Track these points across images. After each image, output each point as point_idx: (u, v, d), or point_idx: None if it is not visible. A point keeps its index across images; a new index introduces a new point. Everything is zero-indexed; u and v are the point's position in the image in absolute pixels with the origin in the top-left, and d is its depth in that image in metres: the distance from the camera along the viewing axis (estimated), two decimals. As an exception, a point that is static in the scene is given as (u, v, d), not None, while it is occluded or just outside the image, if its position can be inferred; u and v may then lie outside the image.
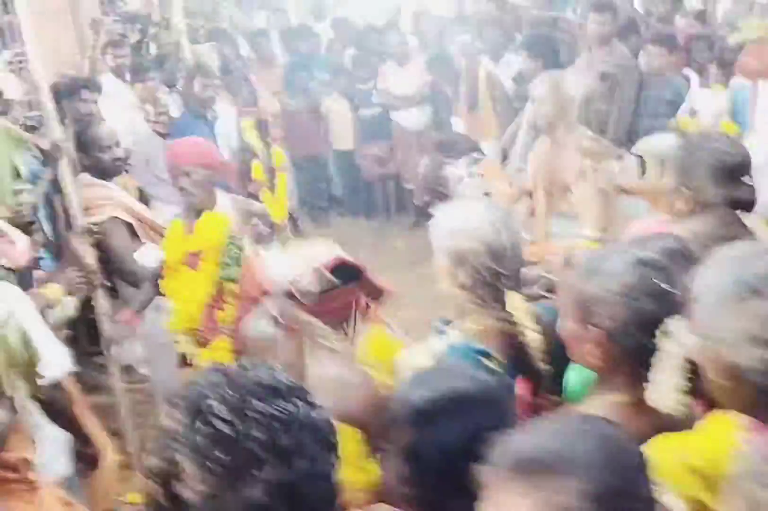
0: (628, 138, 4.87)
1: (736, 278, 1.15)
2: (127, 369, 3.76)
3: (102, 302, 3.45)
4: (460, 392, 1.39)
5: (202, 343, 3.01)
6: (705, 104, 4.18)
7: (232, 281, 2.93)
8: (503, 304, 1.90)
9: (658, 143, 2.76)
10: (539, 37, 4.80)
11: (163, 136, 4.85)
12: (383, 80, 6.72)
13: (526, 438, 1.03)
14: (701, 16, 5.63)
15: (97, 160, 3.60)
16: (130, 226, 3.53)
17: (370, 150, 6.96)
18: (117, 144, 3.71)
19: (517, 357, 1.88)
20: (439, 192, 6.29)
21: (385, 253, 6.26)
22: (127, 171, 3.94)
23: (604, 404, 1.49)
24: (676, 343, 1.34)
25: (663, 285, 1.46)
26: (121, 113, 4.77)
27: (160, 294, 3.59)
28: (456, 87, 5.98)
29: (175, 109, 5.27)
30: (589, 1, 6.30)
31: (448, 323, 2.00)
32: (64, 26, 5.45)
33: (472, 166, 5.47)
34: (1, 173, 3.25)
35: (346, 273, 2.45)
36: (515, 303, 1.92)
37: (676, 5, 5.72)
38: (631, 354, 1.48)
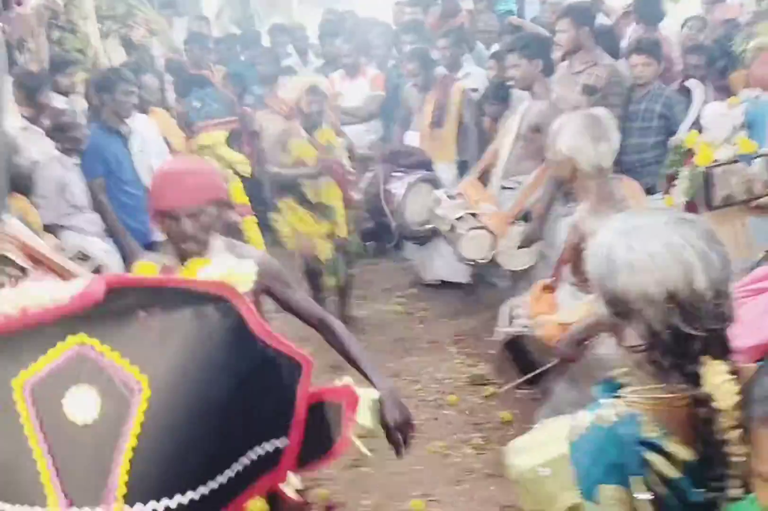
0: (617, 157, 4.35)
1: None
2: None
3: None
4: None
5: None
6: (715, 119, 3.64)
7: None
8: (692, 376, 1.24)
9: None
10: (534, 37, 4.27)
11: (73, 152, 4.06)
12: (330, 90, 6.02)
13: None
14: (699, 24, 5.16)
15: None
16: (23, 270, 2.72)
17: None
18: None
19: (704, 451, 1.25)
20: (382, 213, 5.56)
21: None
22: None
23: None
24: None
25: None
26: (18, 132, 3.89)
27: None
28: (420, 102, 5.30)
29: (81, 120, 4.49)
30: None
31: (616, 387, 1.34)
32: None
33: (444, 189, 4.81)
34: None
35: None
36: (715, 378, 1.24)
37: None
38: None
